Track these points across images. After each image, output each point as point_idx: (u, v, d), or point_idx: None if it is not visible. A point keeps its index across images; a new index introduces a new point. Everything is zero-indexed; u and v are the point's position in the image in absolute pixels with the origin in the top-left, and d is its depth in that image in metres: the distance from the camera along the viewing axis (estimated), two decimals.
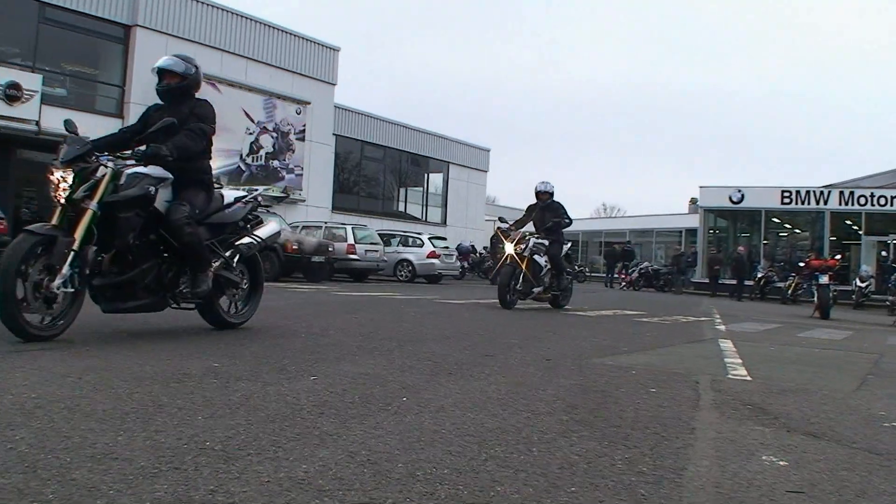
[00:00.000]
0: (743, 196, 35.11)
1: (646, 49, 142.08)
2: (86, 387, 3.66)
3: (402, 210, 38.76)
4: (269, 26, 29.65)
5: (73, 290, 5.24)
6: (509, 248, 12.91)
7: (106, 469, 2.38)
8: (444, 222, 39.30)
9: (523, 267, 12.55)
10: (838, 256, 25.10)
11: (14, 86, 20.36)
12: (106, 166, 5.52)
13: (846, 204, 33.46)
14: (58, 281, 5.06)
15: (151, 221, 5.76)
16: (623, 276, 35.93)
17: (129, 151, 5.85)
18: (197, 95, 6.47)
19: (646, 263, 36.80)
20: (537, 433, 3.30)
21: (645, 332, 9.22)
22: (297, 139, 30.18)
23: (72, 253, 5.15)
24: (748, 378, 5.54)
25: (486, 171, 43.13)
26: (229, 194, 6.79)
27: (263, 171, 28.97)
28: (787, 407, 4.44)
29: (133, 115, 24.22)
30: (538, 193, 13.58)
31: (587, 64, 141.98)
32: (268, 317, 8.02)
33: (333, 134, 32.53)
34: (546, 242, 13.09)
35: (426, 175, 40.53)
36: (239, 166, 28.09)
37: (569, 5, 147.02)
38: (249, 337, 6.06)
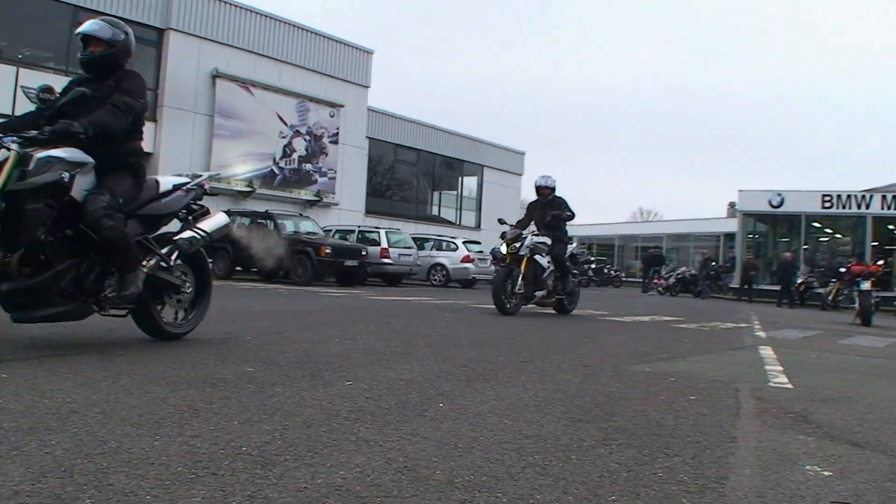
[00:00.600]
0: (783, 200, 34.57)
1: (680, 52, 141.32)
2: (121, 391, 3.65)
3: (436, 214, 38.82)
4: (303, 29, 29.80)
5: None
6: (504, 248, 12.00)
7: (143, 474, 2.36)
8: (478, 226, 39.28)
9: (521, 269, 11.60)
10: (880, 262, 24.59)
11: (48, 89, 20.50)
12: (9, 149, 4.69)
13: (889, 208, 32.85)
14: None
15: (68, 214, 4.92)
16: (655, 281, 35.65)
17: (36, 132, 4.89)
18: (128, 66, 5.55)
19: (683, 268, 36.45)
20: (576, 441, 3.24)
21: (683, 339, 9.08)
22: (330, 142, 30.27)
23: None
24: (789, 386, 5.44)
25: (520, 175, 43.04)
26: (167, 181, 5.84)
27: (296, 175, 29.09)
28: (829, 416, 4.35)
29: (167, 119, 24.45)
30: (538, 189, 12.62)
31: (623, 68, 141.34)
32: (302, 321, 8.04)
33: (367, 137, 32.63)
34: (548, 241, 12.13)
35: (460, 178, 40.55)
36: (272, 170, 28.23)
37: (603, 8, 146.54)
38: (284, 342, 6.02)
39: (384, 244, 23.01)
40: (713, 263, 36.42)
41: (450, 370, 5.01)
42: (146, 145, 23.16)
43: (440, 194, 39.78)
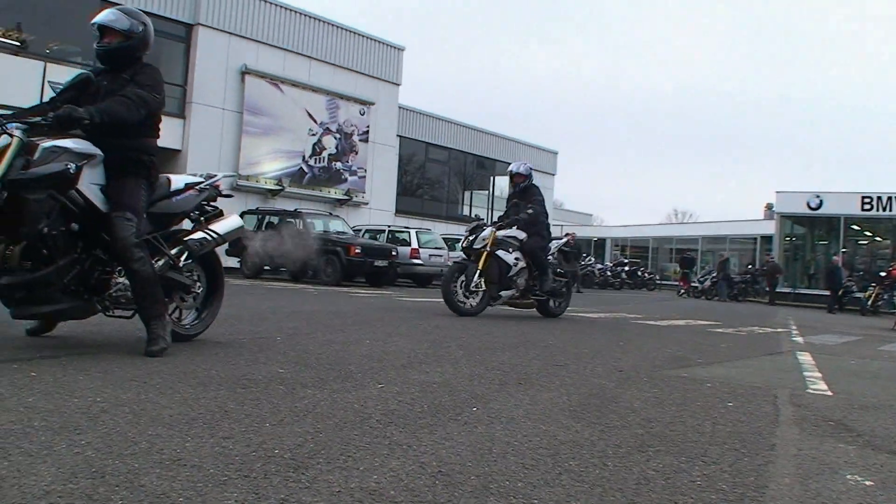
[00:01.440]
0: (821, 202, 34.11)
1: (717, 51, 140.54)
2: (151, 391, 3.63)
3: (467, 214, 38.74)
4: (333, 25, 29.82)
5: None
6: (462, 242, 11.01)
7: (174, 476, 2.34)
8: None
9: (478, 265, 10.50)
10: None
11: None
12: (11, 135, 4.48)
13: None
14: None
15: (74, 207, 4.74)
16: (684, 284, 35.34)
17: (40, 118, 4.72)
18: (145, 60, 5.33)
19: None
20: (612, 447, 3.19)
21: (719, 344, 8.99)
22: (360, 140, 30.31)
23: None
24: (829, 393, 5.35)
25: (553, 175, 42.94)
26: (178, 179, 5.67)
27: (326, 173, 29.13)
28: (870, 424, 4.27)
29: (195, 115, 24.59)
30: (511, 176, 11.52)
31: (657, 67, 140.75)
32: (332, 322, 8.03)
33: (397, 135, 32.63)
34: (519, 236, 10.96)
35: (492, 178, 40.45)
36: (301, 168, 28.29)
37: (638, 8, 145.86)
38: (314, 343, 6.00)
39: (414, 244, 22.98)
40: (749, 266, 36.07)
41: (482, 373, 4.96)
42: (175, 141, 23.55)
43: (471, 194, 39.72)
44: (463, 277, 10.60)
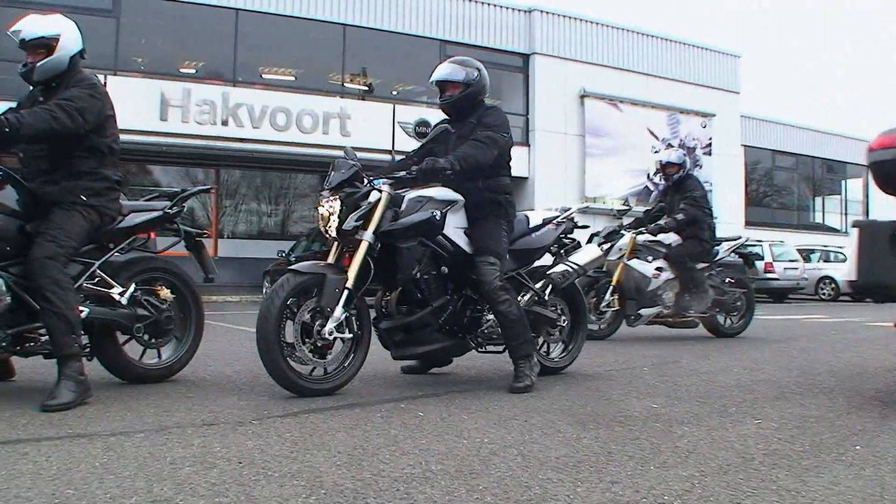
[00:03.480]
0: None
1: None
2: (534, 431, 3.78)
3: (819, 221, 36.75)
4: (666, 39, 29.43)
5: (350, 335, 4.79)
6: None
7: None
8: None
9: (613, 278, 8.76)
10: None
11: (423, 123, 21.73)
12: (380, 190, 4.89)
13: None
14: (329, 325, 4.57)
15: (442, 252, 5.09)
16: None
17: (404, 172, 5.10)
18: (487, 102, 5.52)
19: None
20: None
21: None
22: (703, 154, 29.68)
23: (345, 292, 4.63)
24: None
25: None
26: (536, 216, 5.83)
27: None
28: None
29: (539, 141, 25.20)
30: (662, 166, 9.58)
31: None
32: (694, 347, 7.95)
33: (741, 145, 31.64)
34: (665, 241, 9.13)
35: (843, 182, 38.08)
36: (647, 186, 28.13)
37: None
38: (682, 372, 6.00)
39: (768, 258, 22.19)
40: None
41: (860, 404, 4.70)
42: (521, 169, 24.27)
43: (823, 199, 37.64)
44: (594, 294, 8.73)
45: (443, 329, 5.14)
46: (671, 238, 9.11)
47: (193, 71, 22.81)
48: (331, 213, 4.81)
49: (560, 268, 5.85)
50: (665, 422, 4.03)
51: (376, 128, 21.43)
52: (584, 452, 3.35)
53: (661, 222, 8.96)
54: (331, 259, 4.90)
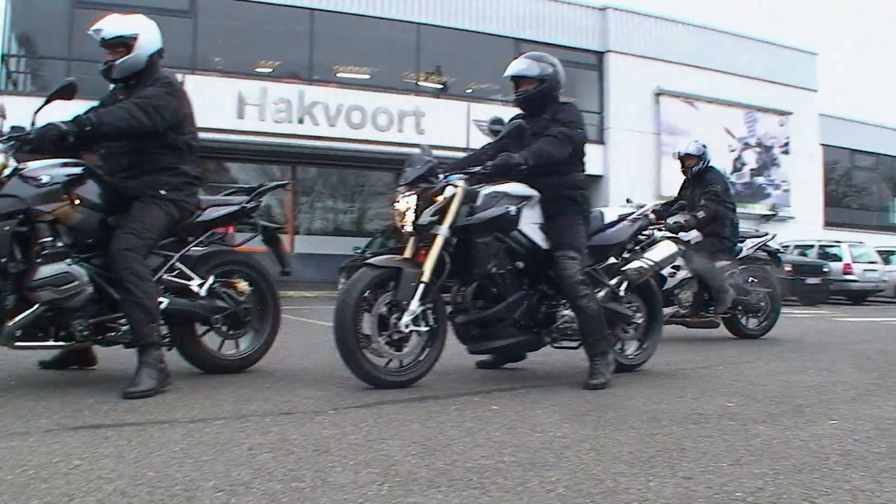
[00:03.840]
0: None
1: None
2: (607, 426, 3.78)
3: None
4: (743, 37, 29.08)
5: (426, 328, 4.82)
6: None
7: None
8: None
9: None
10: None
11: (497, 121, 21.63)
12: (455, 185, 4.93)
13: None
14: (406, 318, 4.64)
15: (517, 247, 5.12)
16: None
17: (479, 168, 5.11)
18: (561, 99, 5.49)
19: None
20: None
21: None
22: (781, 153, 29.21)
23: (420, 286, 4.69)
24: None
25: None
26: (611, 212, 5.86)
27: (749, 189, 28.38)
28: None
29: (613, 139, 25.08)
30: (680, 158, 9.09)
31: None
32: (770, 348, 7.88)
33: (820, 144, 31.05)
34: (685, 237, 8.20)
35: None
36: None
37: None
38: (757, 372, 5.95)
39: (846, 259, 21.76)
40: None
41: None
42: (596, 167, 24.17)
43: None
44: None
45: (518, 324, 5.14)
46: (691, 234, 8.52)
47: (270, 70, 23.15)
48: (407, 209, 4.88)
49: (635, 264, 5.78)
50: (739, 420, 4.01)
51: (451, 126, 21.57)
52: (657, 448, 3.35)
53: (681, 220, 8.34)
54: (407, 253, 4.94)
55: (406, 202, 4.91)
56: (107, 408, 3.91)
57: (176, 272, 4.90)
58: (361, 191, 24.90)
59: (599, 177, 24.80)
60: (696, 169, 8.92)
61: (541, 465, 3.00)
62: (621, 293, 5.71)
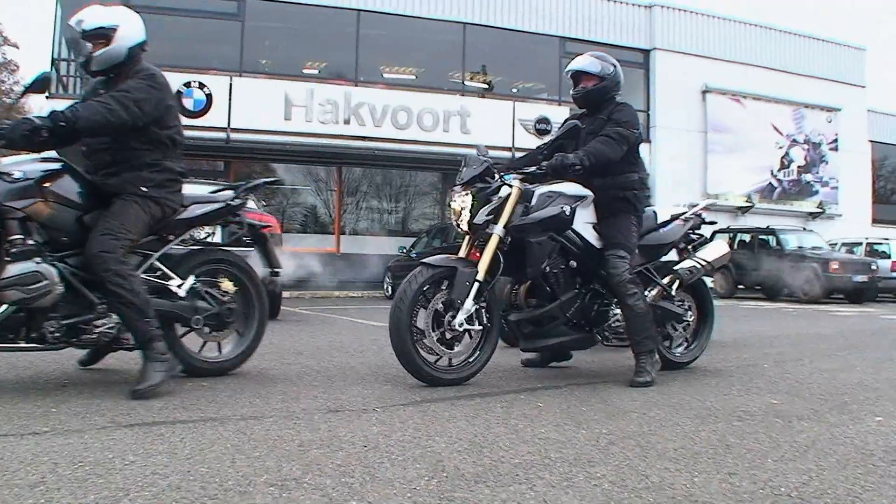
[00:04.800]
0: None
1: None
2: (653, 423, 3.83)
3: None
4: (790, 33, 28.73)
5: (479, 327, 4.87)
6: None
7: None
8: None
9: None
10: None
11: (544, 120, 21.74)
12: (510, 185, 4.98)
13: None
14: (460, 317, 4.68)
15: (571, 247, 5.15)
16: None
17: (534, 168, 5.09)
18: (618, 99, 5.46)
19: None
20: None
21: None
22: (829, 149, 28.84)
23: (475, 284, 4.72)
24: None
25: None
26: (664, 212, 5.88)
27: (796, 186, 28.06)
28: None
29: (660, 138, 24.94)
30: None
31: None
32: (817, 345, 7.84)
33: (869, 140, 30.60)
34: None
35: None
36: (770, 183, 27.54)
37: None
38: (803, 370, 5.92)
39: (895, 256, 21.45)
40: None
41: None
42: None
43: None
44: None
45: (570, 322, 5.20)
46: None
47: (316, 71, 23.32)
48: (462, 208, 4.94)
49: (687, 263, 5.84)
50: (785, 417, 4.02)
51: (496, 125, 21.54)
52: (702, 445, 3.38)
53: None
54: (462, 252, 5.00)
55: (462, 201, 4.95)
56: (159, 405, 4.00)
57: (157, 272, 4.76)
58: (407, 191, 24.95)
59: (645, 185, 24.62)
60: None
61: (586, 461, 3.04)
62: (673, 292, 5.75)
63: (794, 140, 28.23)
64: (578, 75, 5.43)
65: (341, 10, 21.61)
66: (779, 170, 27.75)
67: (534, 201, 5.02)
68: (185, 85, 18.73)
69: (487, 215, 4.89)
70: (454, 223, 5.07)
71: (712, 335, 6.21)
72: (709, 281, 8.34)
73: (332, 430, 3.51)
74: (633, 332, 5.17)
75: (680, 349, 5.93)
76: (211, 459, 2.96)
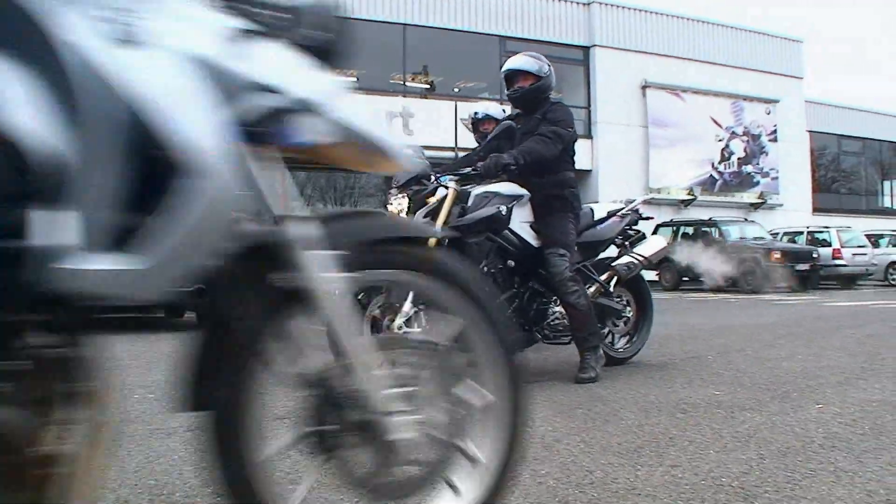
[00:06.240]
0: None
1: None
2: (597, 419, 3.86)
3: (888, 206, 36.00)
4: (727, 27, 29.19)
5: (419, 331, 4.59)
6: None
7: None
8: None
9: None
10: None
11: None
12: (446, 186, 4.97)
13: None
14: (399, 320, 4.55)
15: (508, 246, 5.13)
16: None
17: (468, 168, 5.10)
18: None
19: None
20: None
21: None
22: (769, 141, 29.32)
23: None
24: None
25: None
26: (601, 208, 5.92)
27: (737, 178, 28.54)
28: None
29: (601, 133, 25.16)
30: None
31: None
32: (760, 336, 7.95)
33: (807, 131, 31.15)
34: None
35: None
36: (711, 175, 27.95)
37: None
38: (746, 360, 6.01)
39: (835, 244, 21.90)
40: None
41: None
42: (585, 162, 24.23)
43: (891, 183, 36.81)
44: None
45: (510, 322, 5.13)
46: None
47: None
48: (399, 211, 4.93)
49: (625, 259, 5.87)
50: (727, 408, 4.08)
51: (439, 126, 21.58)
52: (646, 438, 3.43)
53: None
54: None
55: (398, 204, 4.96)
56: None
57: None
58: (351, 193, 24.91)
59: (588, 171, 24.88)
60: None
61: (532, 459, 3.04)
62: (611, 288, 5.79)
63: (734, 132, 28.68)
64: (515, 74, 5.42)
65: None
66: (720, 162, 28.18)
67: (470, 202, 5.01)
68: None
69: (424, 217, 4.88)
70: None
71: (652, 329, 6.23)
72: (653, 274, 8.46)
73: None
74: (576, 329, 5.19)
75: (621, 344, 5.99)
76: (159, 472, 2.93)
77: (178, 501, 2.59)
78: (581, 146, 23.40)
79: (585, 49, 26.21)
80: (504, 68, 5.48)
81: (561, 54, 25.11)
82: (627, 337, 6.05)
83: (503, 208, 4.99)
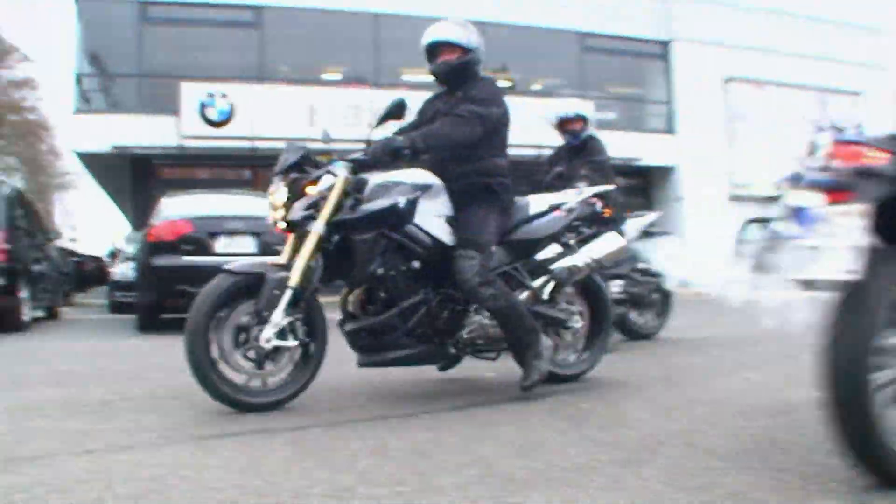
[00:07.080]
0: None
1: None
2: (698, 421, 3.81)
3: None
4: (809, 18, 28.44)
5: (294, 343, 4.14)
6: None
7: None
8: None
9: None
10: None
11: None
12: (335, 174, 4.24)
13: None
14: (268, 332, 3.98)
15: (413, 244, 4.37)
16: None
17: (359, 154, 4.39)
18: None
19: None
20: None
21: None
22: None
23: (287, 293, 4.01)
24: None
25: None
26: (542, 200, 5.00)
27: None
28: None
29: (683, 129, 24.82)
30: (561, 123, 7.32)
31: None
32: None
33: None
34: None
35: None
36: (797, 171, 27.33)
37: None
38: None
39: None
40: None
41: None
42: (667, 158, 23.93)
43: None
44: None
45: (414, 333, 4.40)
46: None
47: (337, 77, 23.39)
48: (277, 202, 4.29)
49: (567, 262, 4.93)
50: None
51: (520, 122, 21.47)
52: (748, 442, 3.36)
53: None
54: (284, 255, 4.30)
55: (277, 194, 4.29)
56: (206, 419, 4.01)
57: None
58: None
59: (670, 168, 24.58)
60: (584, 135, 7.26)
61: (634, 462, 3.03)
62: (544, 296, 4.91)
63: (820, 126, 27.99)
64: (438, 46, 4.71)
65: (359, 14, 21.64)
66: (806, 156, 27.49)
67: (366, 192, 4.30)
68: (208, 95, 18.84)
69: (305, 210, 4.20)
70: (271, 220, 4.38)
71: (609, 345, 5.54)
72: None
73: (381, 439, 3.51)
74: (506, 332, 4.55)
75: (571, 358, 5.20)
76: (265, 472, 2.96)
77: (286, 502, 2.61)
78: (663, 143, 23.07)
79: (665, 44, 25.85)
80: (425, 39, 4.76)
81: (640, 49, 24.91)
82: (578, 351, 5.22)
83: (402, 200, 4.26)
